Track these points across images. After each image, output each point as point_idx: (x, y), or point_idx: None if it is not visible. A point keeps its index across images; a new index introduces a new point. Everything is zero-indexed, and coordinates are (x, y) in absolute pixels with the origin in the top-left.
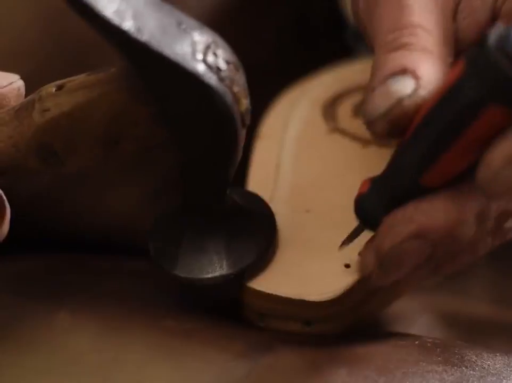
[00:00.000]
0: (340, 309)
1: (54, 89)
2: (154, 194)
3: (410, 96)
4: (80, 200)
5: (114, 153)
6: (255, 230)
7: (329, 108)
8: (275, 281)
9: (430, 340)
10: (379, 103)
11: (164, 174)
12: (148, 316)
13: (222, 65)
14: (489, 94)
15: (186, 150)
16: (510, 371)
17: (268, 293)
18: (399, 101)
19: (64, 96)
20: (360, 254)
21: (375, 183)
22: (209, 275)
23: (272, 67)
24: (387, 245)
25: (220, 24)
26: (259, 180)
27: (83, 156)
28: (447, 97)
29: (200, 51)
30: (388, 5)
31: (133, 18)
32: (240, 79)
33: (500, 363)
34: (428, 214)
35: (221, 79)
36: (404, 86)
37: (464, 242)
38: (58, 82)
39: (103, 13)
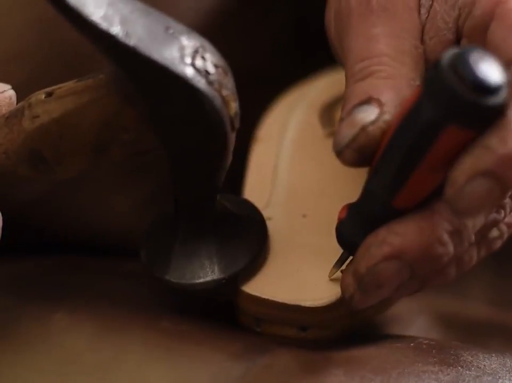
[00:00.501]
0: (335, 315)
1: (43, 96)
2: (149, 199)
3: (373, 122)
4: (75, 206)
5: (104, 159)
6: (246, 235)
7: (327, 113)
8: (271, 286)
9: (426, 342)
10: (345, 132)
11: (158, 178)
12: (144, 317)
13: (211, 68)
14: (444, 115)
15: (175, 155)
16: (506, 371)
17: (264, 298)
18: (364, 128)
19: (53, 102)
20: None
21: (352, 209)
22: (201, 280)
23: (270, 70)
24: (362, 267)
25: (218, 25)
26: (257, 183)
27: (73, 163)
28: (407, 120)
29: (188, 55)
30: (356, 34)
31: (121, 23)
32: (229, 83)
33: (495, 363)
34: (401, 235)
35: (209, 83)
36: (368, 114)
37: (444, 260)
38: (48, 89)
39: (91, 18)
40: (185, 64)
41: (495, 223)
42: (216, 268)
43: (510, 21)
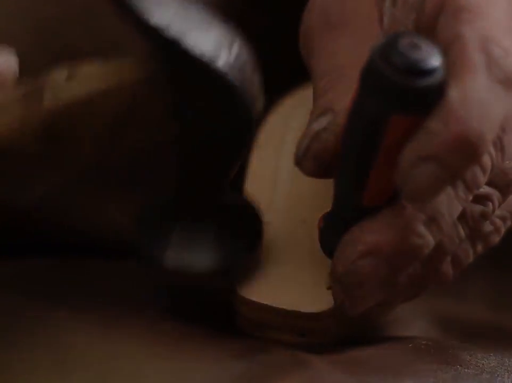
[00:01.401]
0: (334, 320)
1: (64, 76)
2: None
3: (325, 129)
4: (79, 211)
5: (120, 146)
6: (245, 228)
7: None
8: (271, 291)
9: (424, 342)
10: (301, 143)
11: (157, 186)
12: (144, 316)
13: (243, 65)
14: (383, 106)
15: (194, 146)
16: (504, 369)
17: (263, 304)
18: (316, 135)
19: (76, 84)
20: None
21: (327, 217)
22: (200, 268)
23: (270, 73)
24: (339, 268)
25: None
26: (257, 188)
27: (90, 146)
28: (351, 118)
29: (224, 50)
30: (318, 52)
31: (162, 14)
32: (257, 80)
33: (494, 362)
34: (374, 231)
35: (243, 79)
36: (322, 122)
37: (425, 251)
38: (68, 69)
39: (134, 6)
40: (221, 58)
41: (485, 216)
42: (213, 257)
43: (452, 8)
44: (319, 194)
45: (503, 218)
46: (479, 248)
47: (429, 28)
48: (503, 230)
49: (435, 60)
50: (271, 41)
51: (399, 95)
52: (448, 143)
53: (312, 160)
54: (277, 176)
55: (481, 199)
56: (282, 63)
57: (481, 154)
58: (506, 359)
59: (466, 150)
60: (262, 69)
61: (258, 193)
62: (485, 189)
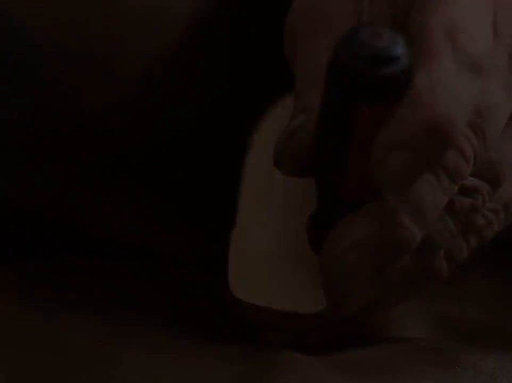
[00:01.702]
0: (333, 320)
1: None
2: (153, 207)
3: (301, 126)
4: (81, 213)
5: None
6: None
7: None
8: (267, 294)
9: (423, 343)
10: (278, 143)
11: (161, 189)
12: (144, 318)
13: None
14: (349, 95)
15: None
16: (504, 370)
17: (260, 306)
18: (293, 133)
19: None
20: None
21: (312, 218)
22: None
23: (266, 74)
24: (326, 265)
25: (214, 24)
26: (253, 190)
27: None
28: (321, 113)
29: None
30: (298, 53)
31: None
32: None
33: (492, 364)
34: (359, 226)
35: None
36: (298, 121)
37: (412, 244)
38: None
39: None
40: None
41: (475, 208)
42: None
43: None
44: (314, 197)
45: (495, 211)
46: (473, 242)
47: (404, 23)
48: (496, 223)
49: (397, 48)
50: (266, 45)
51: (363, 84)
52: (418, 129)
53: (289, 159)
54: (273, 177)
55: (469, 191)
56: (278, 64)
57: (453, 138)
58: (506, 361)
59: (436, 135)
60: (259, 71)
61: (254, 195)
62: (473, 181)
